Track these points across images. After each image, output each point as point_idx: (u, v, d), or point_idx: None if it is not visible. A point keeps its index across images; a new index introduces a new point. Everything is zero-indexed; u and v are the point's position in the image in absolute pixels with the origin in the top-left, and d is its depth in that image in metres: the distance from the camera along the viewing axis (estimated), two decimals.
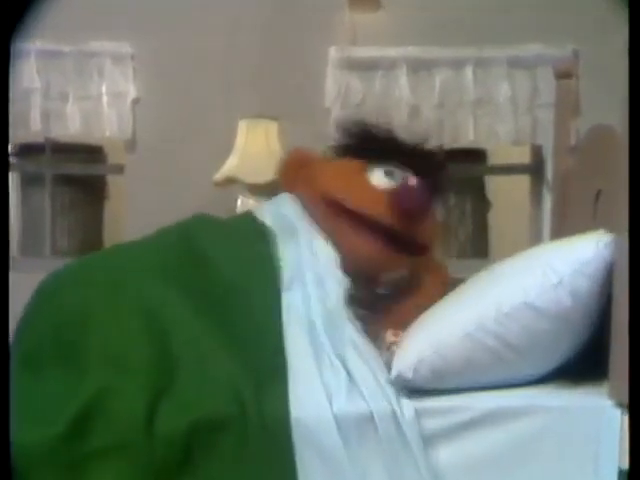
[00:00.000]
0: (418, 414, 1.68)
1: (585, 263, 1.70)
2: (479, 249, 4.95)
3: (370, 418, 1.65)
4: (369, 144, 2.21)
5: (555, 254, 1.77)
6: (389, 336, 1.98)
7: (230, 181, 3.60)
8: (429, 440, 1.68)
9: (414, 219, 2.07)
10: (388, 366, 1.79)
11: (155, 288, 1.83)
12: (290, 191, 2.18)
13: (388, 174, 2.13)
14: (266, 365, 1.73)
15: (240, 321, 1.81)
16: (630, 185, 1.52)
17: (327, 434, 1.63)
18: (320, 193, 2.11)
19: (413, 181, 2.10)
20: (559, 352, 1.77)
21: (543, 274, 1.72)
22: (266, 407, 1.64)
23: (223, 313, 1.81)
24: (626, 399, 1.63)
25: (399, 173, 2.13)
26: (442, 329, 1.78)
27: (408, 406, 1.68)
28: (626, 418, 1.66)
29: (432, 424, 1.69)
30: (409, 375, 1.73)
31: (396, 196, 2.08)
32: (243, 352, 1.73)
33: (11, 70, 1.35)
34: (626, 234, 1.56)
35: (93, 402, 1.63)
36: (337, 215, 2.08)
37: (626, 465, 1.63)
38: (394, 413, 1.66)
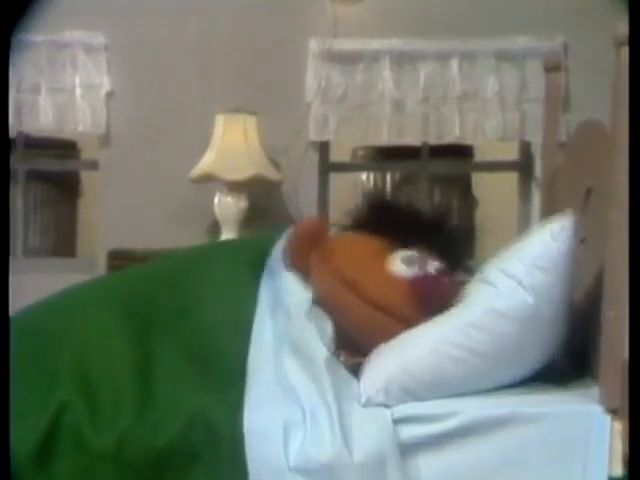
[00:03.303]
0: (397, 422, 1.65)
1: (537, 257, 1.73)
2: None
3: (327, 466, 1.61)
4: (390, 222, 2.09)
5: (508, 255, 1.80)
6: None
7: (207, 177, 3.53)
8: (410, 449, 1.64)
9: (433, 310, 1.94)
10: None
11: (143, 312, 1.84)
12: (300, 264, 1.99)
13: (406, 261, 1.99)
14: (240, 396, 1.70)
15: (217, 355, 1.80)
16: (630, 183, 1.52)
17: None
18: (335, 271, 1.97)
19: (432, 268, 1.98)
20: (531, 356, 1.76)
21: (501, 278, 1.75)
22: (238, 438, 1.62)
23: (200, 347, 1.81)
24: (616, 405, 1.63)
25: (418, 258, 2.00)
26: (406, 347, 1.78)
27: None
28: (616, 424, 1.64)
29: (414, 432, 1.65)
30: (380, 398, 1.71)
31: (415, 289, 1.94)
32: (218, 385, 1.72)
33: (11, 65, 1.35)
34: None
35: (61, 423, 1.63)
36: (350, 296, 1.95)
37: (616, 472, 1.62)
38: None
